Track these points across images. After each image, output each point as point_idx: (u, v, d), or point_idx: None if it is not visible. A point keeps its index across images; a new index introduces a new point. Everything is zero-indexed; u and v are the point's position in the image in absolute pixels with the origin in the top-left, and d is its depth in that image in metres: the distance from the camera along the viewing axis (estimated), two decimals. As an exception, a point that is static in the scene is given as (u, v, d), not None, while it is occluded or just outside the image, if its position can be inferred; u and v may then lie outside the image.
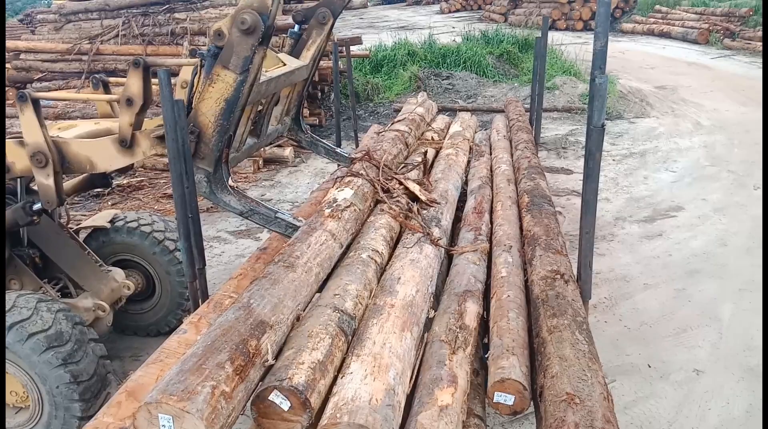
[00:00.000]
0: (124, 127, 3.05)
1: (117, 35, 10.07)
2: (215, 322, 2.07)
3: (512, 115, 6.38)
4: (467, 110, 9.77)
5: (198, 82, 2.97)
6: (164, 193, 7.23)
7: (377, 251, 2.86)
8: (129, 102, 3.04)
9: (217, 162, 3.02)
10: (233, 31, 2.74)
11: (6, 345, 2.87)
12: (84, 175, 3.77)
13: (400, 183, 3.64)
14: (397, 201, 3.38)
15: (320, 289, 2.63)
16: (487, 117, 9.95)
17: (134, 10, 10.31)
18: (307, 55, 3.78)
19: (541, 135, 7.15)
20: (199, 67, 3.00)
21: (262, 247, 3.62)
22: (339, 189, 3.32)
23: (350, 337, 2.25)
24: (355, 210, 3.11)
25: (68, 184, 3.70)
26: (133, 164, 3.38)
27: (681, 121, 10.00)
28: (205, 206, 6.18)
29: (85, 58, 9.96)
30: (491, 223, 3.70)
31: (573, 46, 14.77)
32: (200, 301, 3.18)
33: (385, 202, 3.36)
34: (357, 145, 6.84)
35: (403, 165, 4.26)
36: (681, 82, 12.74)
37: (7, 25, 31.01)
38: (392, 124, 5.18)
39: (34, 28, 15.20)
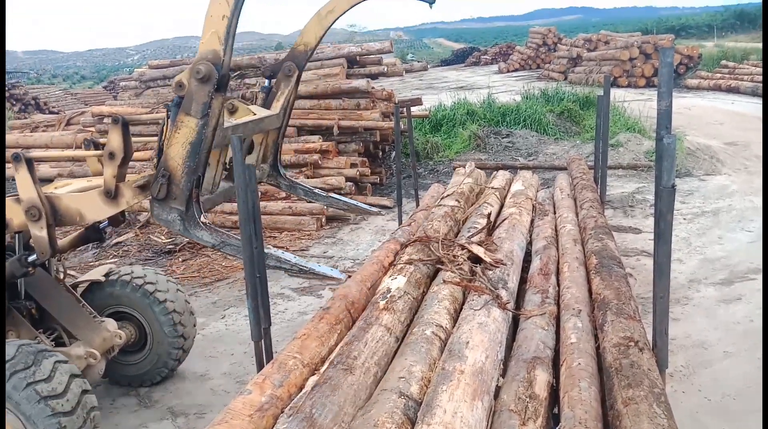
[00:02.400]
0: (109, 179, 3.27)
1: (192, 100, 10.71)
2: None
3: (576, 173, 6.29)
4: (528, 168, 9.72)
5: (166, 130, 3.19)
6: (230, 250, 7.45)
7: (441, 326, 2.84)
8: (111, 156, 3.26)
9: (188, 201, 3.18)
10: (191, 81, 2.99)
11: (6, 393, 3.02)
12: (79, 231, 4.05)
13: (463, 247, 3.62)
14: (460, 267, 3.36)
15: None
16: (549, 175, 9.85)
17: (208, 77, 10.98)
18: (277, 106, 4.05)
19: (607, 193, 6.99)
20: (166, 118, 3.22)
21: (325, 306, 3.64)
22: (392, 277, 3.37)
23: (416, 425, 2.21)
24: (409, 299, 3.16)
25: (64, 240, 3.93)
26: (124, 215, 3.68)
27: (755, 178, 9.56)
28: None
29: (161, 121, 10.62)
30: (558, 285, 3.60)
31: (636, 103, 14.58)
32: (265, 361, 3.22)
33: (447, 270, 3.36)
34: (417, 203, 6.90)
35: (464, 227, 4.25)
36: (753, 138, 12.25)
37: (92, 91, 33.62)
38: (441, 198, 5.22)
39: (117, 94, 16.33)
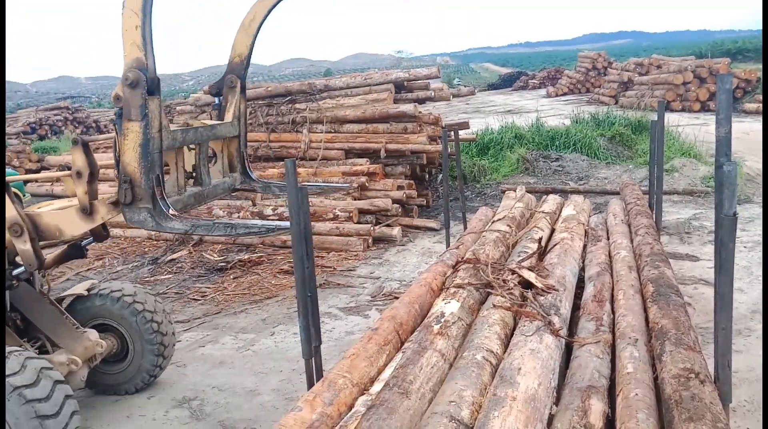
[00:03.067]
0: (82, 197, 3.48)
1: (245, 123, 11.03)
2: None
3: (629, 199, 6.15)
4: (579, 192, 9.55)
5: (117, 142, 3.38)
6: (281, 269, 7.57)
7: (492, 351, 2.81)
8: (79, 175, 3.47)
9: (153, 199, 3.35)
10: (125, 90, 3.22)
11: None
12: (62, 249, 4.33)
13: (513, 272, 3.58)
14: (511, 292, 3.33)
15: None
16: (600, 199, 9.65)
17: (260, 102, 11.31)
18: (228, 115, 4.26)
19: (663, 219, 6.79)
20: (116, 133, 3.42)
21: (373, 327, 3.65)
22: (445, 301, 3.37)
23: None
24: (462, 325, 3.16)
25: (49, 257, 4.16)
26: (107, 230, 3.94)
27: (821, 205, 9.10)
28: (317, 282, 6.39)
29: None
30: (613, 312, 3.51)
31: (691, 127, 14.17)
32: (315, 378, 3.24)
33: (497, 295, 3.33)
34: (465, 226, 6.87)
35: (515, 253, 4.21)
36: (817, 164, 11.70)
37: (150, 115, 35.07)
38: (492, 222, 5.18)
39: (172, 118, 17.00)
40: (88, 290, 4.54)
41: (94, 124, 27.94)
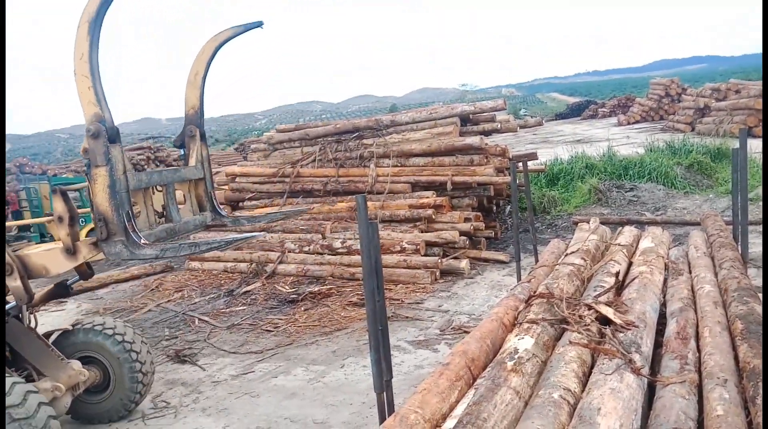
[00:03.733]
0: (65, 238, 3.84)
1: (314, 160, 11.37)
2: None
3: (711, 230, 5.84)
4: (656, 223, 9.17)
5: (90, 188, 3.73)
6: (350, 301, 7.65)
7: (569, 390, 2.71)
8: (60, 219, 3.85)
9: (126, 232, 3.65)
10: (89, 141, 3.59)
11: None
12: (49, 288, 4.79)
13: (590, 307, 3.48)
14: (588, 328, 3.22)
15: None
16: (680, 230, 9.23)
17: (329, 138, 11.64)
18: (192, 160, 4.67)
19: (749, 251, 6.41)
20: (88, 181, 3.77)
21: (444, 362, 3.61)
22: (519, 337, 3.30)
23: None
24: (537, 361, 3.09)
25: (36, 296, 4.49)
26: (91, 269, 4.32)
27: None
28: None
29: (287, 180, 11.32)
30: (698, 351, 3.32)
31: (777, 154, 13.38)
32: (386, 413, 3.24)
33: (573, 331, 3.23)
34: (536, 259, 6.73)
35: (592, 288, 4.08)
36: None
37: (225, 153, 36.65)
38: (565, 255, 5.05)
39: (246, 155, 17.65)
40: (73, 325, 4.99)
41: (174, 163, 29.54)
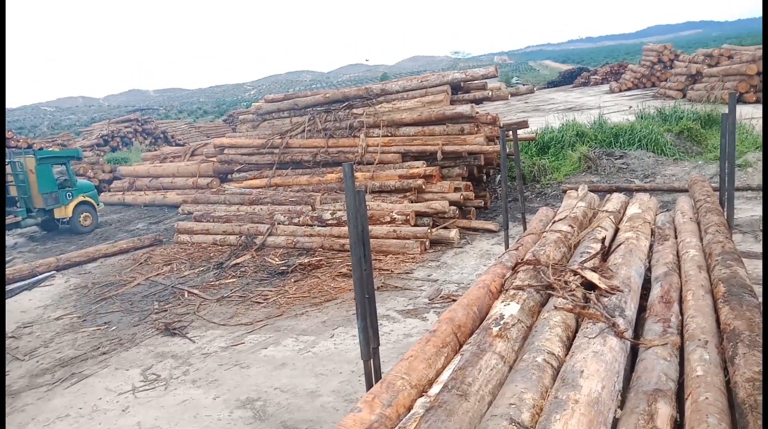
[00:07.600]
0: None
1: (303, 130, 11.26)
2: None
3: (698, 196, 5.86)
4: (645, 190, 9.21)
5: None
6: (339, 272, 7.67)
7: (553, 354, 2.74)
8: None
9: None
10: None
11: None
12: None
13: (575, 273, 3.49)
14: (573, 294, 3.24)
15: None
16: (668, 197, 9.27)
17: (318, 108, 11.51)
18: None
19: (735, 217, 6.45)
20: None
21: (431, 329, 3.64)
22: (504, 303, 3.32)
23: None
24: (522, 327, 3.10)
25: None
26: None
27: None
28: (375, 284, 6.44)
29: (276, 151, 11.23)
30: (681, 314, 3.35)
31: (767, 119, 13.38)
32: (374, 380, 3.27)
33: (558, 296, 3.24)
34: (524, 227, 6.74)
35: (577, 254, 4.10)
36: None
37: (213, 125, 36.26)
38: (553, 222, 5.06)
39: (235, 127, 17.42)
40: None
41: (162, 135, 29.21)
